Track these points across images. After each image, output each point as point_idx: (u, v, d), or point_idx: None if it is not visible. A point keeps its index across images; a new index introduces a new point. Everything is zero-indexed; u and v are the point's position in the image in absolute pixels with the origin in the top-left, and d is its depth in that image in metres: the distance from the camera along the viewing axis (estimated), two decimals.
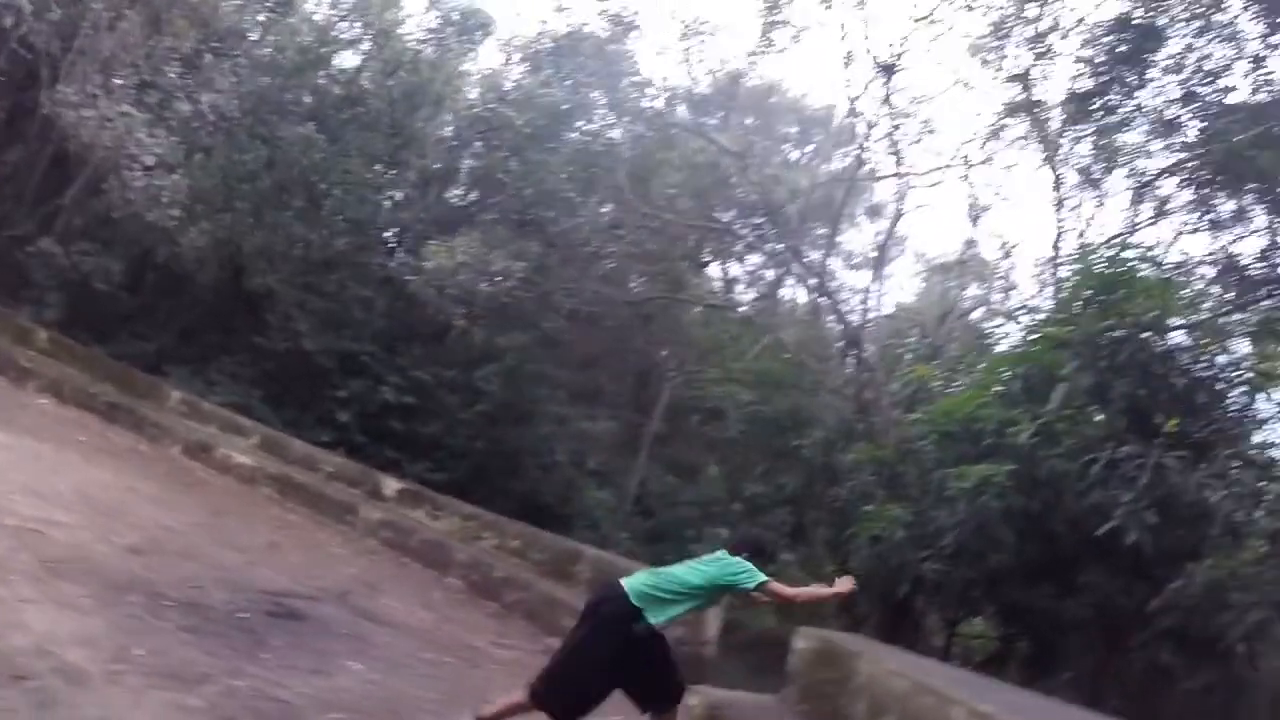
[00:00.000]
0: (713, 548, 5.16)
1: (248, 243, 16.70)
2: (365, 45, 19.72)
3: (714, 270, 23.05)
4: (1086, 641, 11.50)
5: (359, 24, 19.70)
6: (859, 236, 24.65)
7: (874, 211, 24.87)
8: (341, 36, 19.50)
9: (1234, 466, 9.88)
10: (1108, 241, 13.79)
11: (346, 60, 19.58)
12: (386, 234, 19.34)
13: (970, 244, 20.10)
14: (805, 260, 17.61)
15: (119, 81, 15.00)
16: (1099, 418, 10.91)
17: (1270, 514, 10.39)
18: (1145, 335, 10.83)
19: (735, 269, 23.54)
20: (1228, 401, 11.03)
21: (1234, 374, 11.82)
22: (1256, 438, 12.39)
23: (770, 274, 22.32)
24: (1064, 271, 13.79)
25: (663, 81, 18.82)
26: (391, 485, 12.33)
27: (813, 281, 17.53)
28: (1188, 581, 9.25)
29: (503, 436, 17.23)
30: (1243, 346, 15.76)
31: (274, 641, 5.24)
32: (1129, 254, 12.10)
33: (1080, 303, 11.64)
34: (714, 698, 5.14)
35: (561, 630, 8.20)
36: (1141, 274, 11.62)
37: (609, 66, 19.26)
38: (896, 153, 16.98)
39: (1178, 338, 11.77)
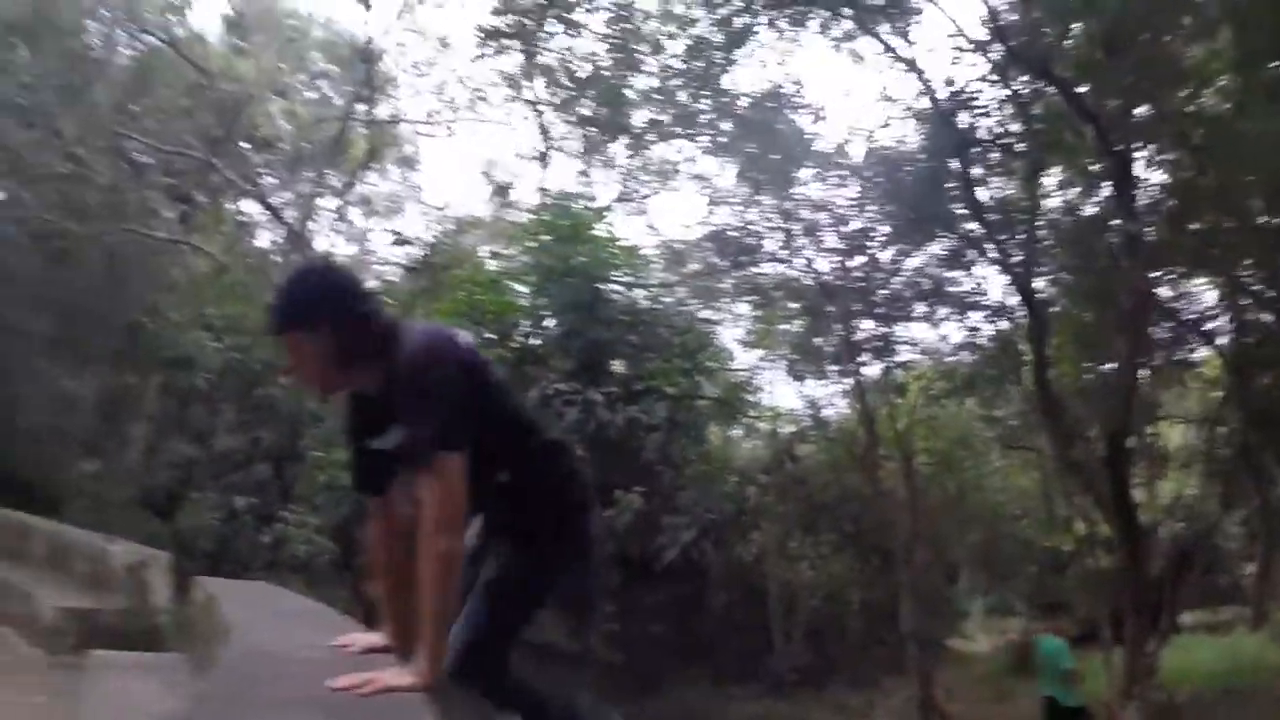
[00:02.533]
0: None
1: None
2: None
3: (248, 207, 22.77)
4: None
5: None
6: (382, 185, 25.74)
7: (400, 159, 26.08)
8: None
9: (662, 405, 12.06)
10: (570, 196, 15.84)
11: None
12: None
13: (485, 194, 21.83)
14: (274, 201, 18.01)
15: None
16: (561, 361, 12.84)
17: (693, 443, 13.13)
18: (600, 285, 12.97)
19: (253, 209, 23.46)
20: (674, 350, 13.37)
21: (693, 325, 14.59)
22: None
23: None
24: (531, 221, 15.54)
25: None
26: None
27: (291, 218, 18.06)
28: (621, 510, 11.43)
29: None
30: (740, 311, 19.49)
31: None
32: (588, 209, 14.25)
33: (539, 246, 13.52)
34: (102, 659, 5.95)
35: (7, 617, 8.49)
36: (598, 232, 13.73)
37: None
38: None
39: (640, 295, 14.34)
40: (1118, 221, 12.24)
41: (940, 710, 16.20)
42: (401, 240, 18.16)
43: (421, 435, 2.62)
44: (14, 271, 16.49)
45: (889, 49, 13.96)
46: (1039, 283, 15.44)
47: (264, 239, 22.49)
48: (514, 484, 2.96)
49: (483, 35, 16.85)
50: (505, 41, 17.03)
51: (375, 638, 3.07)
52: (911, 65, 12.86)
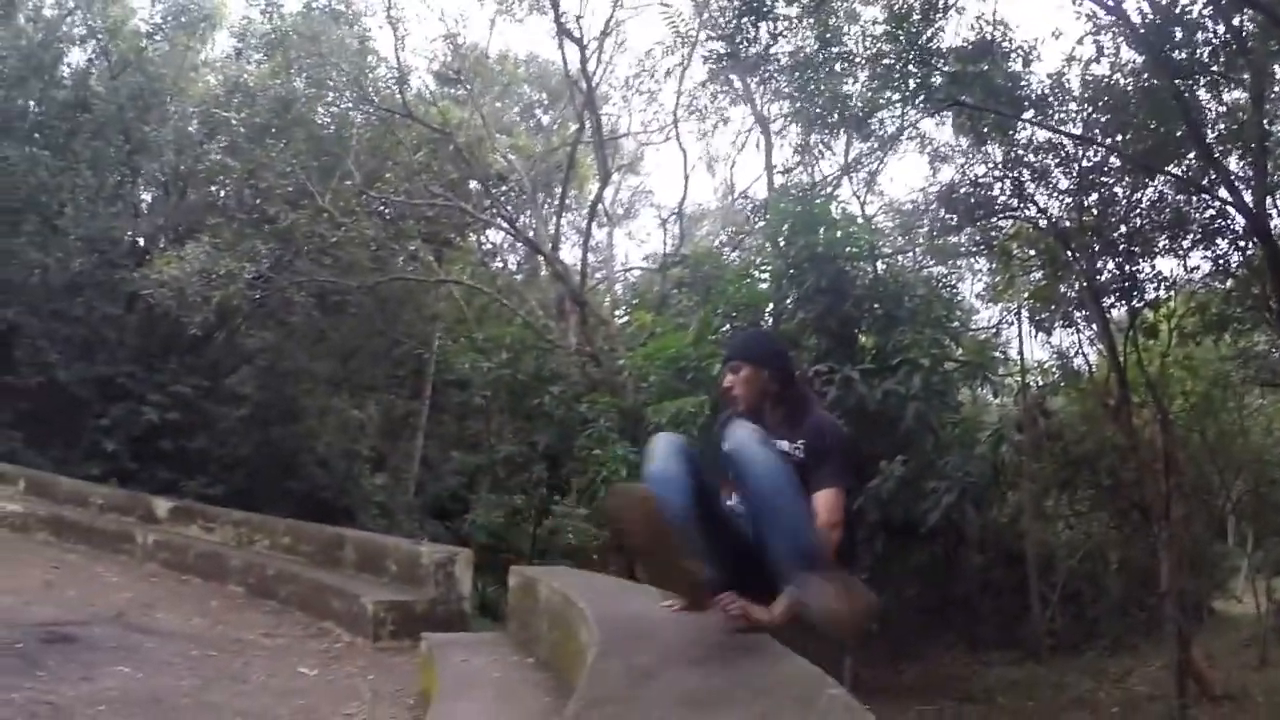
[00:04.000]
0: None
1: None
2: (91, 44, 19.24)
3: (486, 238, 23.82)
4: None
5: (85, 21, 19.17)
6: (611, 194, 26.01)
7: (626, 169, 26.37)
8: (72, 32, 19.00)
9: (916, 375, 11.63)
10: (799, 185, 15.56)
11: (73, 58, 19.23)
12: (128, 246, 18.92)
13: (714, 192, 21.90)
14: (520, 226, 18.51)
15: None
16: (812, 341, 12.62)
17: (950, 410, 12.48)
18: (843, 265, 12.70)
19: (495, 237, 24.44)
20: (920, 319, 12.88)
21: (936, 292, 13.98)
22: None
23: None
24: (768, 212, 15.46)
25: (398, 58, 18.93)
26: (163, 506, 12.51)
27: (546, 246, 18.54)
28: (885, 478, 11.03)
29: (272, 438, 17.43)
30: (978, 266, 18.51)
31: (47, 662, 5.74)
32: (823, 194, 13.99)
33: (781, 239, 13.36)
34: (435, 639, 6.07)
35: (332, 613, 8.91)
36: (835, 211, 13.50)
37: (343, 47, 19.12)
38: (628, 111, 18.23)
39: (879, 267, 13.90)
40: None
41: (1198, 675, 14.68)
42: (666, 263, 18.35)
43: (844, 471, 3.44)
44: (299, 327, 17.79)
45: None
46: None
47: (510, 262, 23.45)
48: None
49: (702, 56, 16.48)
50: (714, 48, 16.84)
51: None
52: None
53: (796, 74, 15.26)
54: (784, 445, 3.39)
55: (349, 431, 18.20)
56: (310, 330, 17.89)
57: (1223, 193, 14.01)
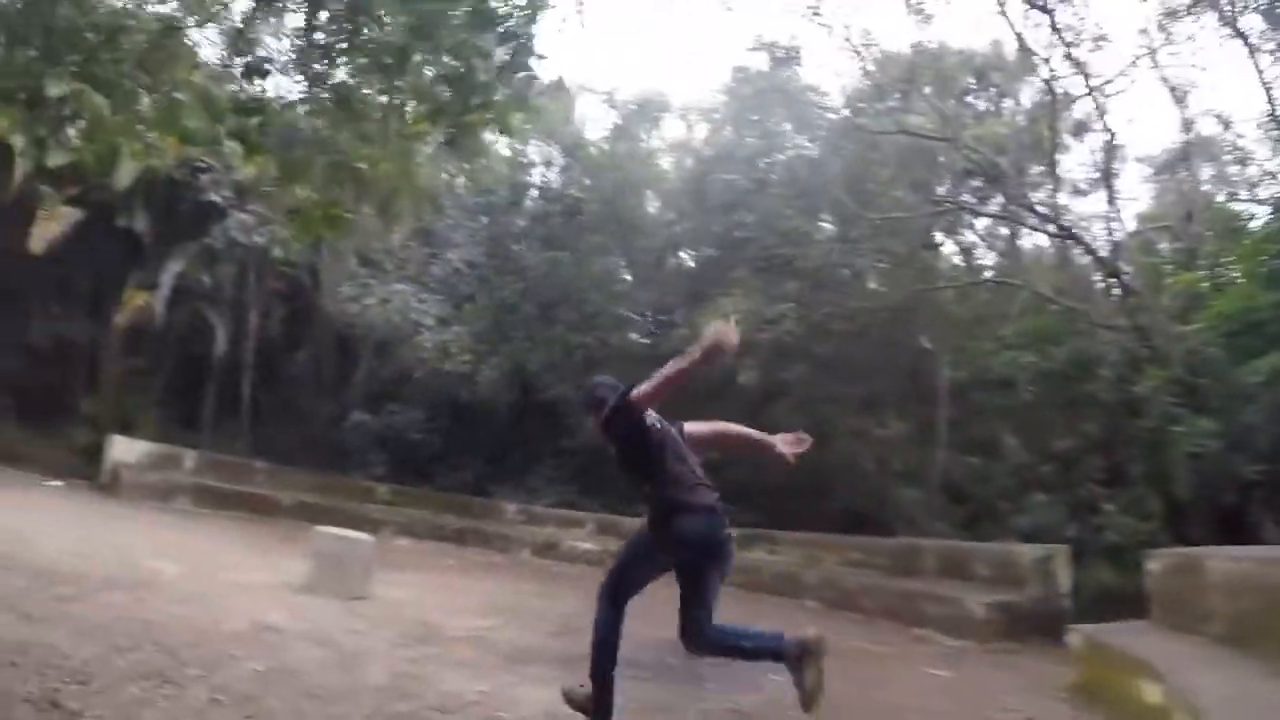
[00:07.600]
0: None
1: (530, 363, 19.78)
2: (557, 161, 23.06)
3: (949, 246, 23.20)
4: None
5: (543, 142, 22.77)
6: (1074, 160, 23.80)
7: (1080, 130, 23.91)
8: (533, 154, 23.04)
9: None
10: None
11: (540, 174, 23.28)
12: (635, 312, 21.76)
13: (1188, 128, 19.12)
14: (1036, 208, 17.42)
15: (389, 269, 19.60)
16: None
17: None
18: None
19: (968, 237, 23.48)
20: None
21: None
22: None
23: (1005, 230, 22.08)
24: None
25: (840, 87, 19.53)
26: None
27: (1050, 226, 17.28)
28: None
29: (806, 463, 18.03)
30: None
31: (710, 676, 6.37)
32: None
33: None
34: (1088, 631, 5.84)
35: (927, 619, 8.97)
36: None
37: (783, 92, 20.55)
38: (1080, 68, 16.51)
39: None
40: None
41: None
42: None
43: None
44: (824, 355, 18.41)
45: None
46: None
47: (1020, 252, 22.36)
48: (649, 494, 4.65)
49: None
50: None
51: None
52: None
53: None
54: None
55: (879, 448, 18.46)
56: (835, 357, 18.51)
57: None
